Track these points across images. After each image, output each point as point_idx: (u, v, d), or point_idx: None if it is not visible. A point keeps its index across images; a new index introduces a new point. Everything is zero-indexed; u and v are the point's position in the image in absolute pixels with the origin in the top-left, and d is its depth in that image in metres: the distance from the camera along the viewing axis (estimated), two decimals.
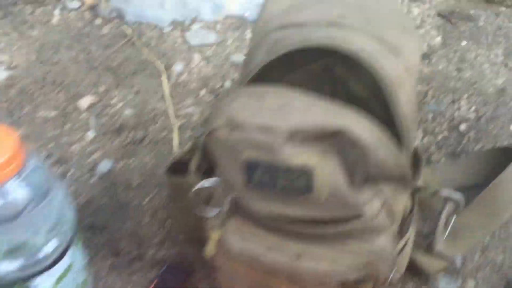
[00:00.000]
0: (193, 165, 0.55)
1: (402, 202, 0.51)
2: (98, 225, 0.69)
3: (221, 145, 0.45)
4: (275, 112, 0.42)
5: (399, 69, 0.45)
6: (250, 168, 0.45)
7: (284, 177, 0.44)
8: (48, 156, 0.77)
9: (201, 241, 0.64)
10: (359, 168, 0.44)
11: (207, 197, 0.54)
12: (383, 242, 0.49)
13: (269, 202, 0.47)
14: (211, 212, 0.52)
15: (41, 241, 0.50)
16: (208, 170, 0.54)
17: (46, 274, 0.52)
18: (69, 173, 0.75)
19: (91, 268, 0.63)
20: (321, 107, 0.42)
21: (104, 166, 0.76)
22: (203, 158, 0.55)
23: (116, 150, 0.78)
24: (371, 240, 0.48)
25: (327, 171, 0.43)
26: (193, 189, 0.51)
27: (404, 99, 0.45)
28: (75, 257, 0.57)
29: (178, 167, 0.57)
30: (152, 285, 0.61)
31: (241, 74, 0.51)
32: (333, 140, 0.42)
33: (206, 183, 0.51)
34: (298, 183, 0.44)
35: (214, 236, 0.51)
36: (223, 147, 0.45)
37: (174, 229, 0.69)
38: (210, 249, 0.51)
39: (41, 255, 0.50)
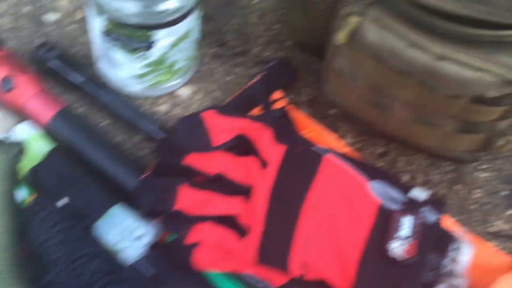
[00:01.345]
0: None
1: None
2: (205, 15, 0.66)
3: None
4: None
5: None
6: None
7: None
8: None
9: (312, 48, 0.61)
10: None
11: None
12: None
13: None
14: None
15: None
16: None
17: (166, 30, 0.51)
18: None
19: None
20: None
21: None
22: None
23: None
24: None
25: None
26: None
27: None
28: (193, 26, 0.54)
29: None
30: (259, 77, 0.58)
31: None
32: None
33: None
34: None
35: (351, 22, 0.46)
36: None
37: (284, 33, 0.65)
38: (341, 36, 0.47)
39: (160, 7, 0.49)
